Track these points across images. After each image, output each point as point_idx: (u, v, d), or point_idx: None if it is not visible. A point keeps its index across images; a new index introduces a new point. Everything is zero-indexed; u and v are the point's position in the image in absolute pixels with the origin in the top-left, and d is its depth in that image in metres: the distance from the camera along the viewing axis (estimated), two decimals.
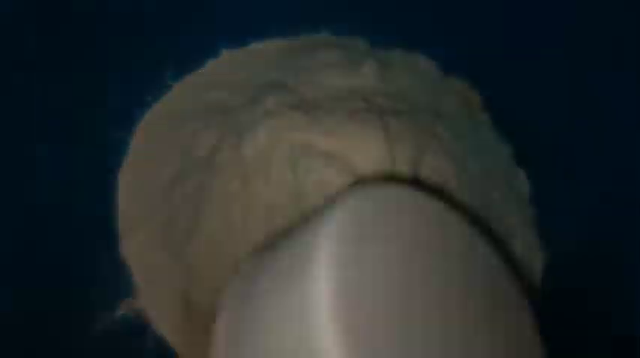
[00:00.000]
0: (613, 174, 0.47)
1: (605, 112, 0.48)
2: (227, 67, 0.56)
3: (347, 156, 0.43)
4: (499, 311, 0.35)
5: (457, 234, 0.35)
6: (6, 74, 0.43)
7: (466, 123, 0.53)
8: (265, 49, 0.57)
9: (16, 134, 0.45)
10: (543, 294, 0.49)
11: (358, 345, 0.25)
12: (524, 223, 0.51)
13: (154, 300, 0.47)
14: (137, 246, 0.49)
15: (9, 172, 0.44)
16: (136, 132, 0.53)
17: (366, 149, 0.43)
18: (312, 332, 0.25)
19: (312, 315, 0.26)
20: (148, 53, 0.53)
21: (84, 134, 0.49)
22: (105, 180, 0.50)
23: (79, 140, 0.49)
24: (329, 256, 0.27)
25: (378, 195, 0.32)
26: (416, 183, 0.44)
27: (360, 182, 0.36)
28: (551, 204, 0.51)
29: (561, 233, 0.50)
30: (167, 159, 0.51)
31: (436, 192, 0.44)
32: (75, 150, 0.48)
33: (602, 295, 0.45)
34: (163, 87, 0.55)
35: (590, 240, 0.48)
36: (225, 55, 0.57)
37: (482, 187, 0.50)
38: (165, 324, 0.47)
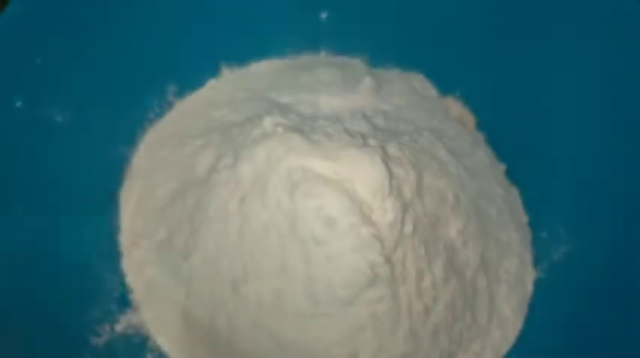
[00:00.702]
0: (603, 188, 0.48)
1: (594, 131, 0.49)
2: (227, 86, 0.57)
3: (346, 180, 0.44)
4: None
5: None
6: (9, 95, 0.45)
7: (463, 143, 0.54)
8: (265, 68, 0.58)
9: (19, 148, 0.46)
10: (536, 307, 0.50)
11: None
12: (519, 239, 0.52)
13: (154, 315, 0.48)
14: (138, 262, 0.50)
15: (13, 189, 0.45)
16: (138, 150, 0.54)
17: (366, 173, 0.43)
18: None
19: None
20: (151, 71, 0.54)
21: (87, 151, 0.50)
22: (107, 197, 0.52)
23: (81, 157, 0.50)
24: None
25: None
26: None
27: None
28: (543, 219, 0.52)
29: (553, 245, 0.51)
30: (168, 176, 0.52)
31: None
32: (78, 167, 0.49)
33: (595, 303, 0.46)
34: (165, 105, 0.56)
35: (581, 249, 0.49)
36: (226, 74, 0.58)
37: (479, 205, 0.51)
38: (164, 338, 0.48)
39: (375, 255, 0.42)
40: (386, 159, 0.44)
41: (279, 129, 0.46)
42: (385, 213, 0.43)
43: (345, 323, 0.43)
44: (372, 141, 0.46)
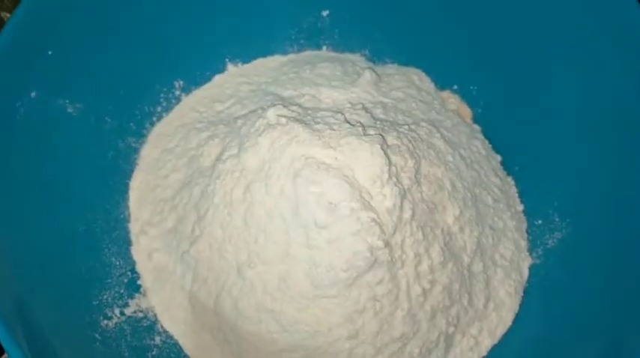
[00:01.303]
0: (595, 176, 0.50)
1: (586, 122, 0.51)
2: (232, 81, 0.59)
3: (347, 167, 0.45)
4: None
5: None
6: (24, 85, 0.46)
7: (460, 134, 0.55)
8: (268, 63, 0.60)
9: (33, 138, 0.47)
10: (532, 291, 0.51)
11: None
12: (514, 226, 0.53)
13: (162, 299, 0.50)
14: (146, 249, 0.52)
15: (26, 178, 0.47)
16: (146, 142, 0.56)
17: (366, 160, 0.45)
18: None
19: None
20: (159, 67, 0.56)
21: (97, 142, 0.52)
22: (117, 188, 0.53)
23: (92, 148, 0.52)
24: None
25: None
26: None
27: None
28: (538, 207, 0.54)
29: (548, 231, 0.53)
30: (175, 167, 0.53)
31: None
32: (89, 157, 0.51)
33: (589, 287, 0.48)
34: (173, 99, 0.58)
35: (575, 235, 0.51)
36: (231, 69, 0.60)
37: (476, 193, 0.52)
38: (171, 322, 0.50)
39: (375, 238, 0.44)
40: (385, 148, 0.46)
41: (282, 119, 0.48)
42: (384, 198, 0.45)
43: (346, 305, 0.44)
44: (371, 131, 0.48)
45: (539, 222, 0.53)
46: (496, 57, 0.56)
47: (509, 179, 0.56)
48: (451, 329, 0.48)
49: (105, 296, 0.48)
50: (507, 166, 0.56)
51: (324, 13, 0.60)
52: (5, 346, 0.36)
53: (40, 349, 0.39)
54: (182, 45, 0.57)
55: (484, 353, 0.49)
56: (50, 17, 0.47)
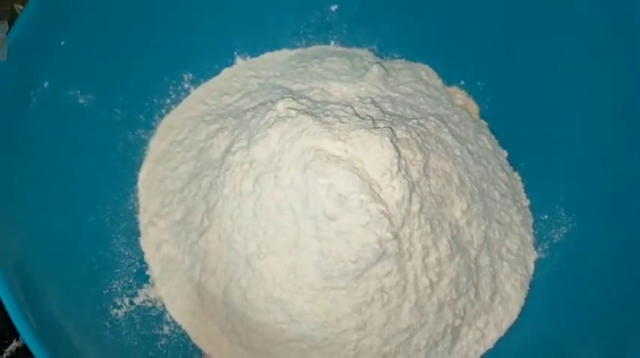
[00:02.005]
0: (601, 172, 0.50)
1: (591, 119, 0.51)
2: (241, 75, 0.59)
3: (356, 159, 0.45)
4: None
5: None
6: (37, 75, 0.47)
7: (467, 129, 0.56)
8: (277, 57, 0.60)
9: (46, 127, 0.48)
10: (537, 285, 0.52)
11: None
12: (520, 221, 0.54)
13: (170, 290, 0.50)
14: (154, 240, 0.52)
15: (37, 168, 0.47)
16: (156, 134, 0.56)
17: (375, 153, 0.45)
18: None
19: None
20: (169, 60, 0.57)
21: (108, 133, 0.53)
22: (126, 179, 0.54)
23: (103, 139, 0.52)
24: None
25: None
26: None
27: None
28: (544, 202, 0.54)
29: (554, 226, 0.53)
30: (184, 159, 0.54)
31: None
32: (99, 148, 0.52)
33: (593, 281, 0.48)
34: (182, 91, 0.58)
35: (581, 229, 0.51)
36: (240, 63, 0.60)
37: (483, 188, 0.52)
38: (179, 312, 0.50)
39: (384, 230, 0.44)
40: (394, 141, 0.46)
41: (292, 112, 0.48)
42: (393, 191, 0.45)
43: (354, 296, 0.45)
44: (381, 124, 0.48)
45: (545, 216, 0.54)
46: (503, 53, 0.57)
47: (516, 174, 0.56)
48: (458, 322, 0.48)
49: (114, 286, 0.48)
50: (514, 162, 0.57)
51: (333, 8, 0.60)
52: (20, 330, 0.37)
53: (54, 336, 0.40)
54: (191, 38, 0.57)
55: (490, 346, 0.50)
56: (62, 9, 0.48)
